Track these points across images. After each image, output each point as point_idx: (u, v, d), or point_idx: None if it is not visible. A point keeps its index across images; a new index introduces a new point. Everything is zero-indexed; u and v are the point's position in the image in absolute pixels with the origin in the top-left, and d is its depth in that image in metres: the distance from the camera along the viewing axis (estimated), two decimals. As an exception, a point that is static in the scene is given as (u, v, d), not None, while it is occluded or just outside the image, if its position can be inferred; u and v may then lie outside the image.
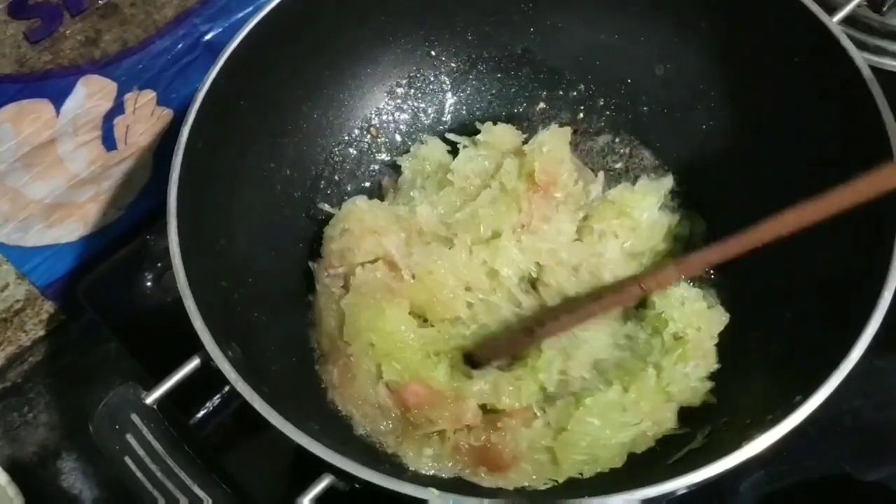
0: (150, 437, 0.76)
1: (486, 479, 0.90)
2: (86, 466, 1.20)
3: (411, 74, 1.20)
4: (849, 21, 1.10)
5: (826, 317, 0.87)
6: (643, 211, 1.07)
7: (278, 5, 1.00)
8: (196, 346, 0.80)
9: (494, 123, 1.16)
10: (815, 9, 0.94)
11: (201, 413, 1.08)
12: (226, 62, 0.97)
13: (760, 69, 1.04)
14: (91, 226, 1.24)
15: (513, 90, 1.22)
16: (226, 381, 0.77)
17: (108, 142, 1.17)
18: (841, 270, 0.89)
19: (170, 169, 0.89)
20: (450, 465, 0.91)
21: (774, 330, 0.94)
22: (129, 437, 0.76)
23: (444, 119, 1.22)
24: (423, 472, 0.91)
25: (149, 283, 1.21)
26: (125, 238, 1.26)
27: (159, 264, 1.20)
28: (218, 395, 1.09)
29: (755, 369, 0.93)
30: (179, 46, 1.18)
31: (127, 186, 1.25)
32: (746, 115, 1.08)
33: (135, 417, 0.77)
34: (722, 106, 1.10)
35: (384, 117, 1.20)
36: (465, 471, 0.91)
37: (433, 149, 1.16)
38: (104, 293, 1.19)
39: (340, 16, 1.08)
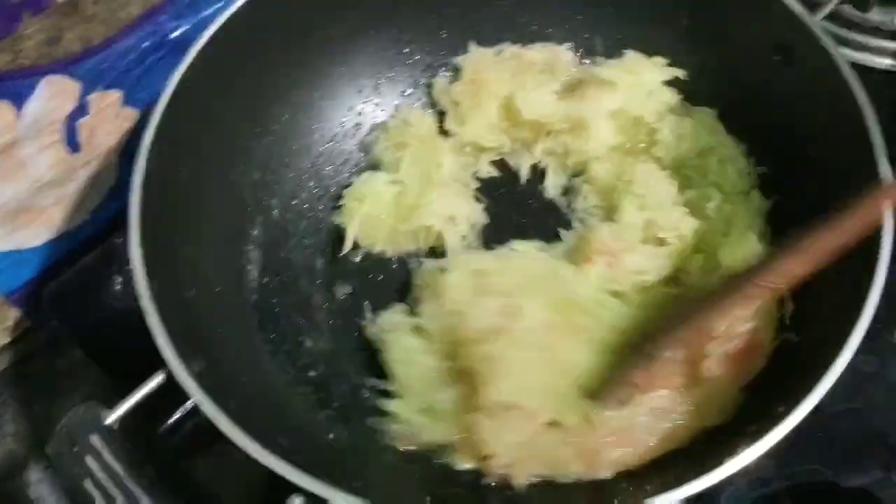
0: (110, 459, 0.73)
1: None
2: (54, 478, 1.16)
3: (386, 73, 1.17)
4: (832, 17, 1.08)
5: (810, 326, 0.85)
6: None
7: (247, 2, 0.97)
8: (161, 360, 0.77)
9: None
10: (797, 9, 0.94)
11: (177, 415, 1.04)
12: (192, 62, 0.94)
13: (740, 67, 1.03)
14: (56, 230, 1.20)
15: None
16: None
17: (72, 144, 1.14)
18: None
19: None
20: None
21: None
22: (89, 460, 0.73)
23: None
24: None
25: (118, 287, 1.17)
26: (92, 242, 1.22)
27: (129, 268, 1.16)
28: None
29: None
30: (145, 45, 1.15)
31: (93, 189, 1.21)
32: (725, 114, 1.07)
33: (94, 439, 0.74)
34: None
35: (359, 118, 1.17)
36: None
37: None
38: (70, 300, 1.15)
39: (312, 13, 1.05)
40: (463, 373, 0.92)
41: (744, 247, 0.96)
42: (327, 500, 0.72)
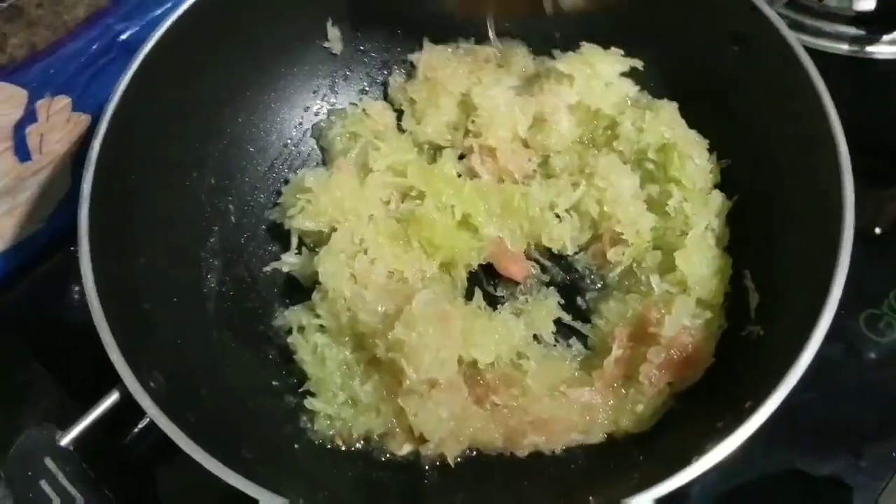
0: (65, 482, 0.71)
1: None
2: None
3: (341, 72, 1.15)
4: (788, 3, 1.09)
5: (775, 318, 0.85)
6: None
7: (195, 3, 0.95)
8: (117, 375, 0.75)
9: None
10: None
11: (138, 428, 1.02)
12: (140, 65, 0.92)
13: (698, 58, 1.03)
14: (8, 241, 1.17)
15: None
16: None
17: (21, 152, 1.10)
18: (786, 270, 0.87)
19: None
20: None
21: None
22: (44, 484, 0.71)
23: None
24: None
25: (76, 297, 1.15)
26: (47, 252, 1.20)
27: None
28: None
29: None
30: (93, 48, 1.11)
31: (45, 198, 1.18)
32: (685, 107, 1.06)
33: (49, 462, 0.72)
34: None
35: (314, 118, 1.15)
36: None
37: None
38: (25, 312, 1.13)
39: (262, 13, 1.04)
40: (377, 361, 0.93)
41: (700, 253, 0.97)
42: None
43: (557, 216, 1.04)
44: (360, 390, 0.93)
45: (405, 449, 0.92)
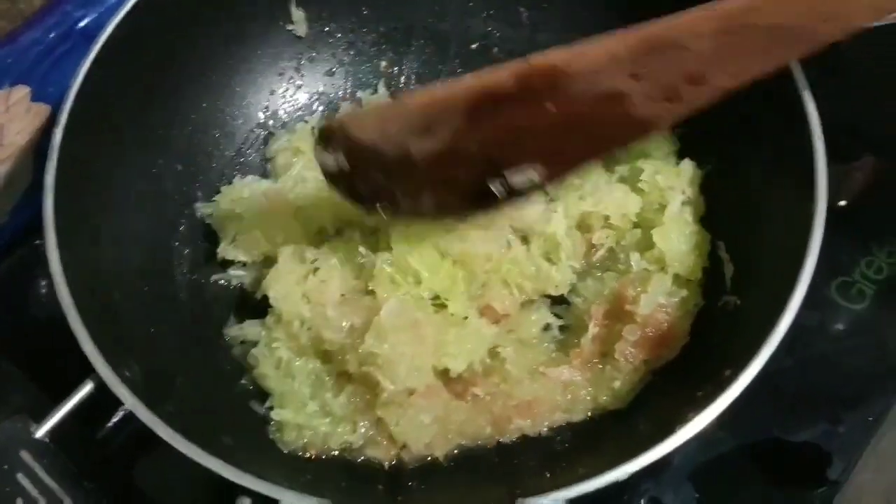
0: (43, 475, 0.70)
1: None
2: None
3: (307, 54, 1.14)
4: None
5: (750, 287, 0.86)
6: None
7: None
8: (90, 367, 0.74)
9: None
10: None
11: (114, 420, 1.00)
12: (99, 51, 0.90)
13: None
14: (-29, 237, 1.15)
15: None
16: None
17: (-19, 145, 1.08)
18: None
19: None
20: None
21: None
22: (21, 477, 0.70)
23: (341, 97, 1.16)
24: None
25: (43, 291, 1.13)
26: (11, 247, 1.18)
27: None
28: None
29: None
30: (51, 36, 1.09)
31: (7, 191, 1.15)
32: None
33: (25, 455, 0.71)
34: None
35: (280, 101, 1.13)
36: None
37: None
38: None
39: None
40: (348, 374, 0.90)
41: (678, 229, 0.96)
42: (278, 501, 0.70)
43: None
44: (333, 402, 0.90)
45: (390, 455, 0.90)
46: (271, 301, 0.93)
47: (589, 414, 0.92)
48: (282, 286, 0.93)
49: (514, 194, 0.76)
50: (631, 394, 0.91)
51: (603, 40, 0.72)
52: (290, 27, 1.10)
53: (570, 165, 0.80)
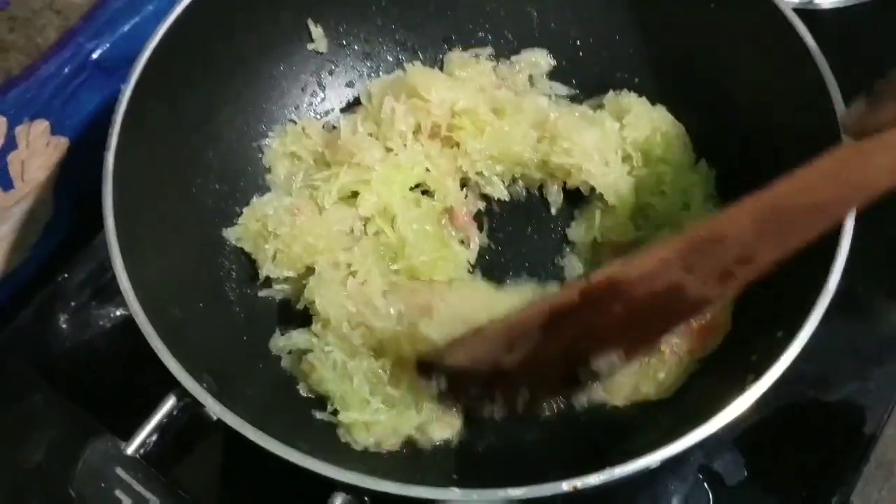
0: (140, 488, 0.72)
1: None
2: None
3: (327, 67, 1.16)
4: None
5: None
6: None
7: (181, 13, 0.96)
8: (169, 384, 0.76)
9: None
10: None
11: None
12: (137, 80, 0.92)
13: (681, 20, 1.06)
14: (-2, 274, 1.15)
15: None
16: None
17: (4, 181, 1.08)
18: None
19: (101, 201, 0.84)
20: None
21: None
22: (119, 493, 0.71)
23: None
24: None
25: (64, 326, 1.14)
26: (36, 281, 1.18)
27: (73, 303, 1.14)
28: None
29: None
30: (67, 69, 1.10)
31: (29, 226, 1.16)
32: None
33: (120, 471, 0.72)
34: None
35: (304, 114, 1.16)
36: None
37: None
38: (28, 342, 1.12)
39: (245, 17, 1.05)
40: (404, 362, 0.93)
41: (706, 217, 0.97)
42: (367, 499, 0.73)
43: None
44: (394, 393, 0.92)
45: (447, 433, 0.94)
46: (318, 307, 0.95)
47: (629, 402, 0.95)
48: (325, 291, 0.96)
49: (598, 377, 0.82)
50: (676, 384, 0.94)
51: (651, 250, 0.79)
52: (311, 46, 1.13)
53: (648, 343, 0.87)
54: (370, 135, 1.07)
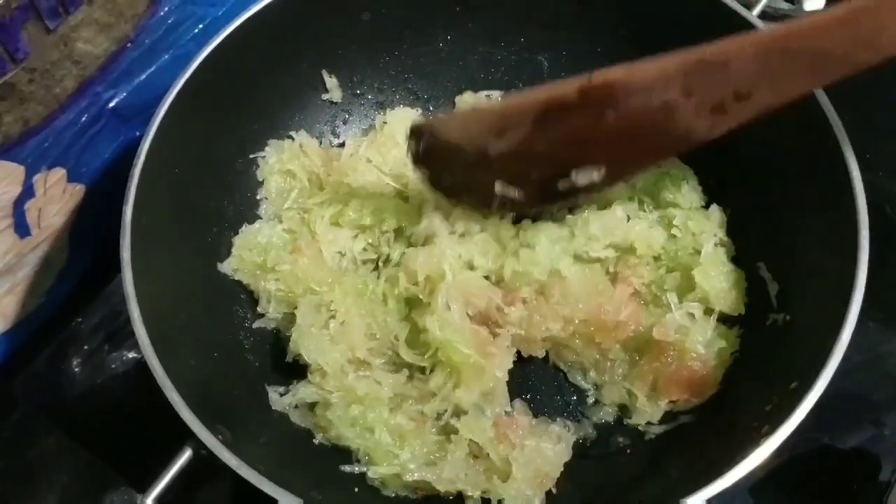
0: (160, 538, 0.72)
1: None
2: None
3: (341, 116, 1.18)
4: (765, 14, 1.13)
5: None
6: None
7: (199, 66, 0.97)
8: (184, 436, 0.77)
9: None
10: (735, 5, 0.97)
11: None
12: (156, 131, 0.94)
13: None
14: (11, 320, 1.15)
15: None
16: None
17: (21, 228, 1.09)
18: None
19: (119, 248, 0.86)
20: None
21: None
22: (139, 542, 0.71)
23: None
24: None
25: (77, 370, 1.15)
26: (49, 325, 1.19)
27: (85, 346, 1.16)
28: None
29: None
30: (84, 118, 1.11)
31: (44, 272, 1.17)
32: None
33: (139, 522, 0.72)
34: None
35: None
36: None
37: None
38: (42, 385, 1.13)
39: (263, 70, 1.06)
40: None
41: (716, 268, 0.98)
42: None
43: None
44: (421, 449, 0.91)
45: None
46: (305, 357, 0.94)
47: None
48: (309, 340, 0.94)
49: (577, 192, 0.84)
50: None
51: (656, 60, 0.80)
52: (325, 96, 1.15)
53: (628, 168, 0.89)
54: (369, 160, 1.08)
